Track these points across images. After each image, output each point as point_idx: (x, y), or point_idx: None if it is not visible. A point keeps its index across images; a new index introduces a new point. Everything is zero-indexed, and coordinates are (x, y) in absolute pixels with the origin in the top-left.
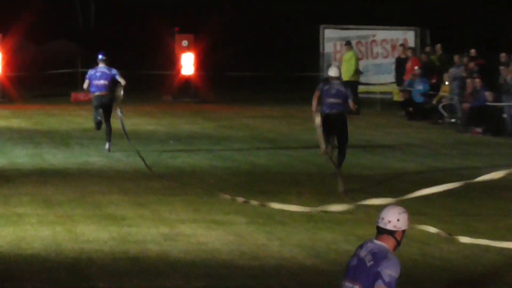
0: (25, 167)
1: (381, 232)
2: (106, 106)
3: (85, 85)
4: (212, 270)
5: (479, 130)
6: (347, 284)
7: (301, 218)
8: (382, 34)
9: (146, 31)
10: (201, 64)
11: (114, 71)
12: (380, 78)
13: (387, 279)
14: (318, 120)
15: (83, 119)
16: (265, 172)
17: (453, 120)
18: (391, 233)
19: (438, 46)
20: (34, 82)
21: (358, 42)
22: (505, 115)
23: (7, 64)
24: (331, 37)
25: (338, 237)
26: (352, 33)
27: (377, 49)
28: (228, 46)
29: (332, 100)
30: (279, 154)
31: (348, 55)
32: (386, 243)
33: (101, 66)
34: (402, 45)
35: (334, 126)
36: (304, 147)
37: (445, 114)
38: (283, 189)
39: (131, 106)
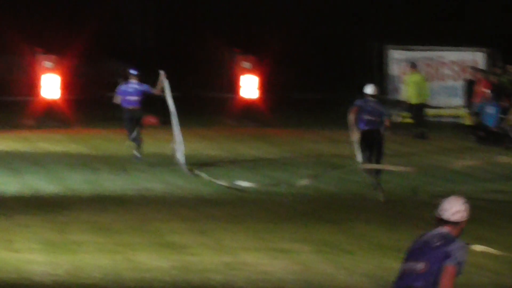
0: (83, 193)
1: (445, 223)
2: (137, 119)
3: (117, 100)
4: None
5: None
6: (409, 264)
7: (368, 247)
8: (451, 55)
9: (207, 52)
10: (263, 86)
11: (145, 86)
12: (449, 101)
13: (457, 259)
14: (355, 136)
15: (143, 144)
16: (331, 199)
17: None
18: (456, 223)
19: (510, 67)
20: (91, 104)
21: (426, 64)
22: None
23: (65, 86)
24: (397, 58)
25: None
26: (419, 54)
27: (445, 70)
28: (292, 67)
29: (368, 117)
30: (344, 180)
31: (415, 77)
32: (450, 232)
33: (133, 82)
34: (472, 67)
35: (371, 143)
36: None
37: None
38: (351, 217)
39: (191, 130)
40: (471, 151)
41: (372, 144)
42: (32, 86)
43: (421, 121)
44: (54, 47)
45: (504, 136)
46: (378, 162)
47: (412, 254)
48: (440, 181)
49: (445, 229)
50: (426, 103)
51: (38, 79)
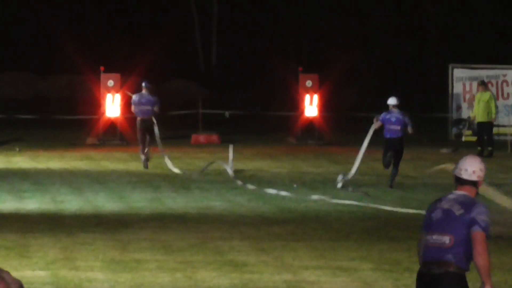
0: (144, 212)
1: (464, 183)
2: (149, 128)
3: (134, 109)
4: None
5: None
6: (435, 237)
7: None
8: None
9: (269, 71)
10: (325, 104)
11: (156, 98)
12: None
13: (483, 224)
14: (373, 127)
15: (203, 162)
16: (392, 217)
17: None
18: (474, 183)
19: None
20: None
21: (489, 82)
22: None
23: (126, 105)
24: (461, 77)
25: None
26: (482, 73)
27: (508, 89)
28: (354, 85)
29: (392, 127)
30: (406, 199)
31: (485, 96)
32: (468, 193)
33: (145, 93)
34: None
35: (394, 149)
36: (434, 191)
37: None
38: (410, 234)
39: (254, 149)
40: None
41: (394, 150)
42: (95, 105)
43: (489, 140)
44: (119, 67)
45: None
46: (397, 163)
47: (436, 225)
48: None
49: (463, 191)
50: (494, 122)
51: (102, 98)
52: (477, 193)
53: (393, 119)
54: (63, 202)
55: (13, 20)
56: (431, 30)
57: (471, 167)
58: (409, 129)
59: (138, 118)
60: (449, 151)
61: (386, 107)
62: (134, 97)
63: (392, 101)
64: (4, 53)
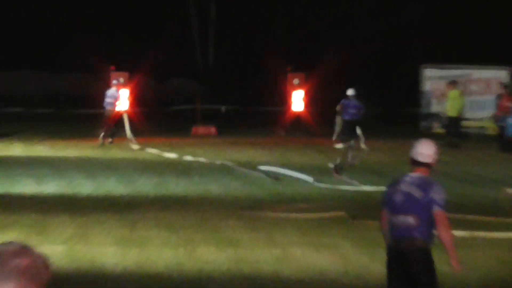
0: (150, 195)
1: (419, 165)
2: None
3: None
4: None
5: None
6: (400, 218)
7: None
8: (477, 73)
9: (262, 70)
10: (311, 101)
11: (119, 92)
12: (476, 114)
13: (441, 202)
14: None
15: (203, 151)
16: (369, 198)
17: None
18: (428, 165)
19: None
20: (158, 116)
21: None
22: None
23: (134, 100)
24: (431, 76)
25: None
26: (450, 73)
27: (473, 87)
28: (339, 84)
29: (350, 110)
30: (382, 183)
31: (454, 93)
32: (423, 174)
33: (113, 89)
34: (501, 82)
35: (351, 127)
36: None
37: None
38: None
39: (247, 139)
40: (494, 159)
41: (354, 130)
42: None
43: (457, 132)
44: (126, 66)
45: None
46: (354, 142)
47: (400, 208)
48: (467, 185)
49: (419, 172)
50: (462, 116)
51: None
52: (430, 172)
53: (351, 105)
54: (78, 186)
55: (28, 23)
56: (405, 33)
57: (426, 151)
58: (362, 113)
59: (107, 109)
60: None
61: (366, 103)
62: (107, 92)
63: (350, 92)
64: (21, 53)
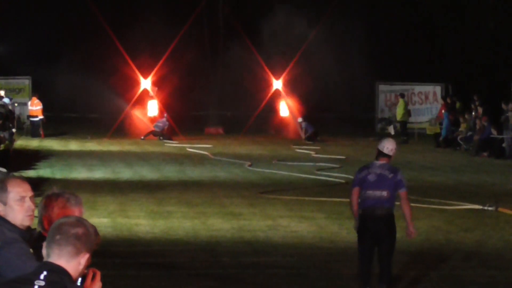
0: (172, 179)
1: (384, 156)
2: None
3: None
4: (301, 250)
5: (485, 154)
6: (375, 192)
7: None
8: (418, 88)
9: (255, 83)
10: (291, 108)
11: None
12: (417, 119)
13: (406, 184)
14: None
15: (213, 146)
16: (339, 183)
17: (467, 147)
18: (389, 157)
19: (457, 102)
20: (183, 120)
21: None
22: (504, 145)
23: (163, 107)
24: (383, 90)
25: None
26: (398, 87)
27: (415, 98)
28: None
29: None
30: (350, 171)
31: (401, 102)
32: (386, 162)
33: (164, 120)
34: (442, 96)
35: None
36: None
37: (462, 143)
38: None
39: (246, 138)
40: (431, 152)
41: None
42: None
43: (404, 132)
44: (156, 80)
45: (453, 142)
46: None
47: (374, 184)
48: (409, 171)
49: (383, 161)
50: (407, 120)
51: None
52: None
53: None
54: (119, 173)
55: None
56: (360, 53)
57: (390, 146)
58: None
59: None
60: (374, 139)
61: (338, 110)
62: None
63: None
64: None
